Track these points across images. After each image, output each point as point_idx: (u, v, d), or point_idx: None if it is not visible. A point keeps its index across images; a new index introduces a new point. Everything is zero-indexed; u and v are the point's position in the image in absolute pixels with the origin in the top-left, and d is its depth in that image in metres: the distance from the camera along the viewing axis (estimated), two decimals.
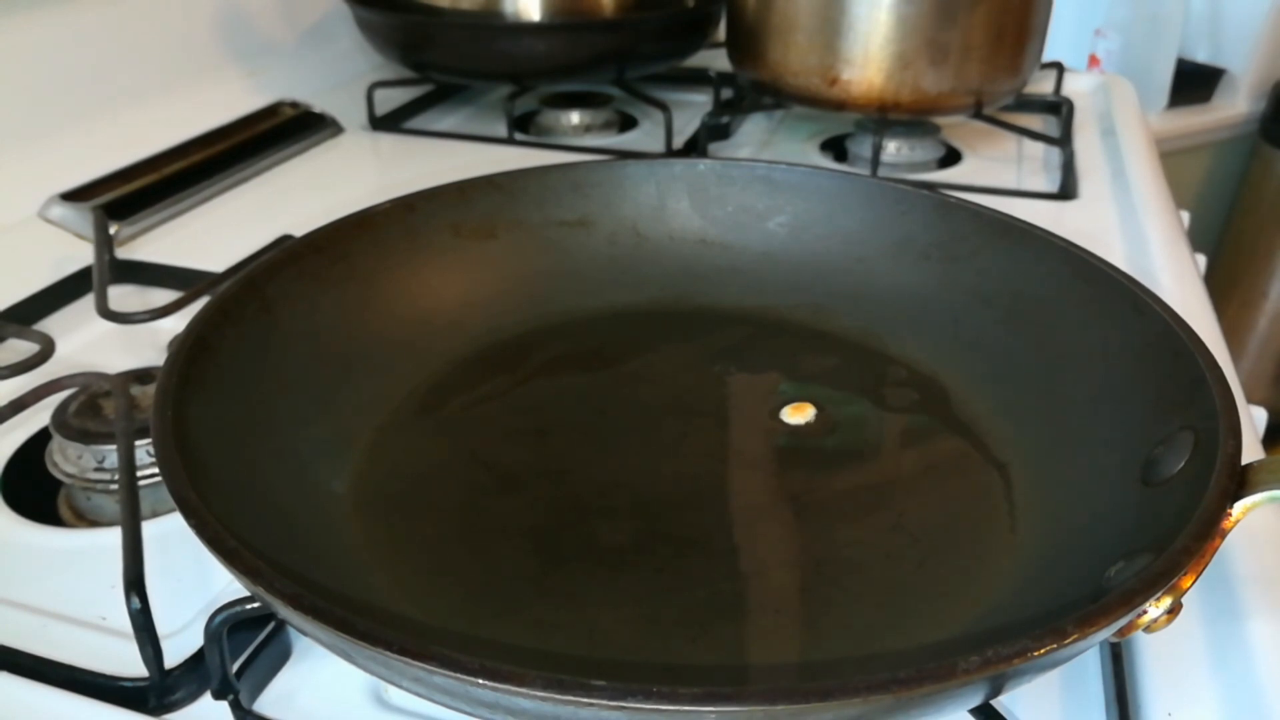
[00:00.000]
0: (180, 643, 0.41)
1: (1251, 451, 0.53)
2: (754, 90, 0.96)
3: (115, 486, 0.49)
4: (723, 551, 0.45)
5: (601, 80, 1.03)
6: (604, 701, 0.28)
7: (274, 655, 0.42)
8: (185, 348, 0.44)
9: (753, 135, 1.05)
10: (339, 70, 1.13)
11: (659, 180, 0.64)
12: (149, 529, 0.45)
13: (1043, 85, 1.10)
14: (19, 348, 0.60)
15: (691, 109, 1.09)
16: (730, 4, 0.95)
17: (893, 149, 0.96)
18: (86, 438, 0.51)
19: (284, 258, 0.52)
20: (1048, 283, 0.53)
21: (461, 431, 0.52)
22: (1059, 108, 1.05)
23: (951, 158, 0.99)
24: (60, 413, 0.52)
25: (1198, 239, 0.92)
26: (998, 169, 0.95)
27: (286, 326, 0.50)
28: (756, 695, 0.28)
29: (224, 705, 0.39)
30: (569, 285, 0.62)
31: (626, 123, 1.09)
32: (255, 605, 0.36)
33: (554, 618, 0.42)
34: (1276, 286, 1.73)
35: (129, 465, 0.47)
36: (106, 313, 0.63)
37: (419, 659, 0.29)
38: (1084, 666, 0.42)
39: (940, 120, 0.98)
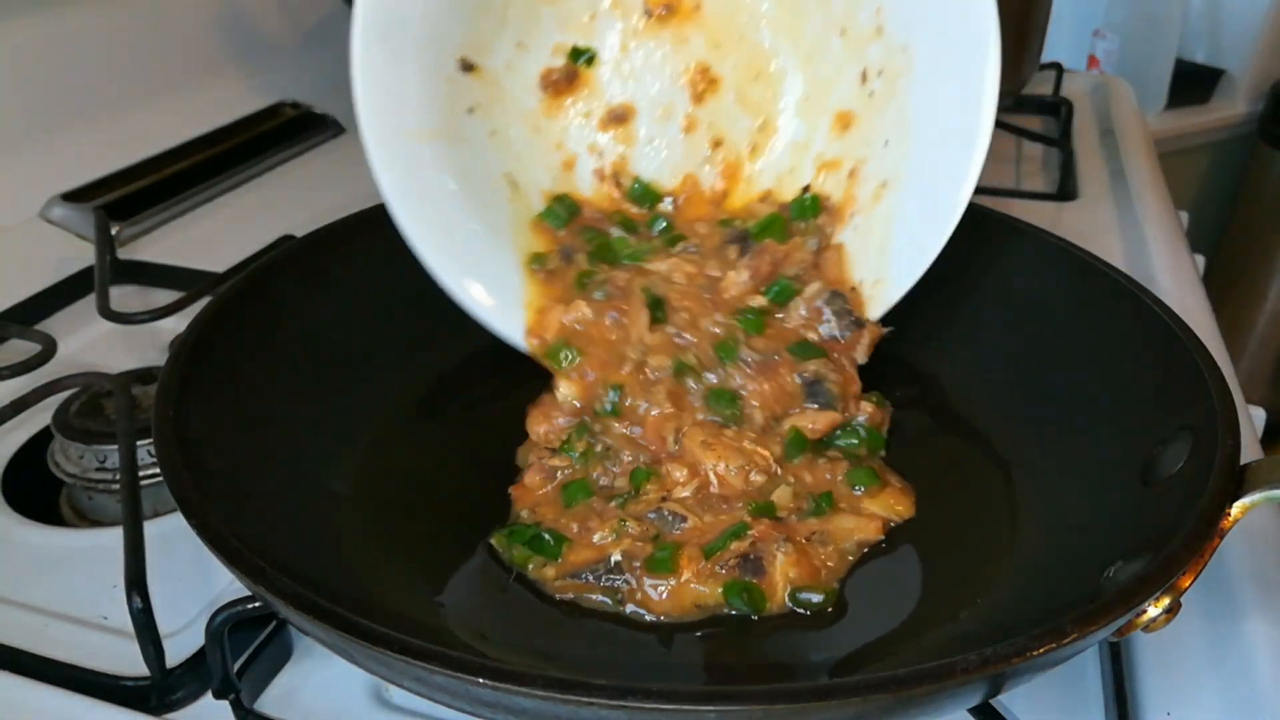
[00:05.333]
0: (181, 642, 0.41)
1: (1250, 451, 0.53)
2: None
3: (117, 486, 0.49)
4: None
5: None
6: (604, 701, 0.28)
7: (275, 655, 0.42)
8: (186, 348, 0.44)
9: None
10: (339, 70, 1.13)
11: None
12: (150, 529, 0.45)
13: (1042, 86, 1.10)
14: (21, 348, 0.60)
15: None
16: None
17: None
18: (88, 438, 0.51)
19: (285, 258, 0.53)
20: (1047, 283, 0.53)
21: (461, 431, 0.52)
22: (1058, 108, 1.05)
23: None
24: (62, 413, 0.52)
25: (1196, 239, 0.92)
26: (997, 169, 0.95)
27: (287, 327, 0.50)
28: (756, 695, 0.28)
29: (225, 704, 0.39)
30: None
31: None
32: (256, 605, 0.36)
33: (555, 617, 0.42)
34: (1275, 287, 1.73)
35: (130, 465, 0.47)
36: (108, 313, 0.63)
37: (420, 659, 0.29)
38: (1083, 666, 0.42)
39: None
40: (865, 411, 0.50)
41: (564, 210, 0.53)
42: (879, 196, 0.51)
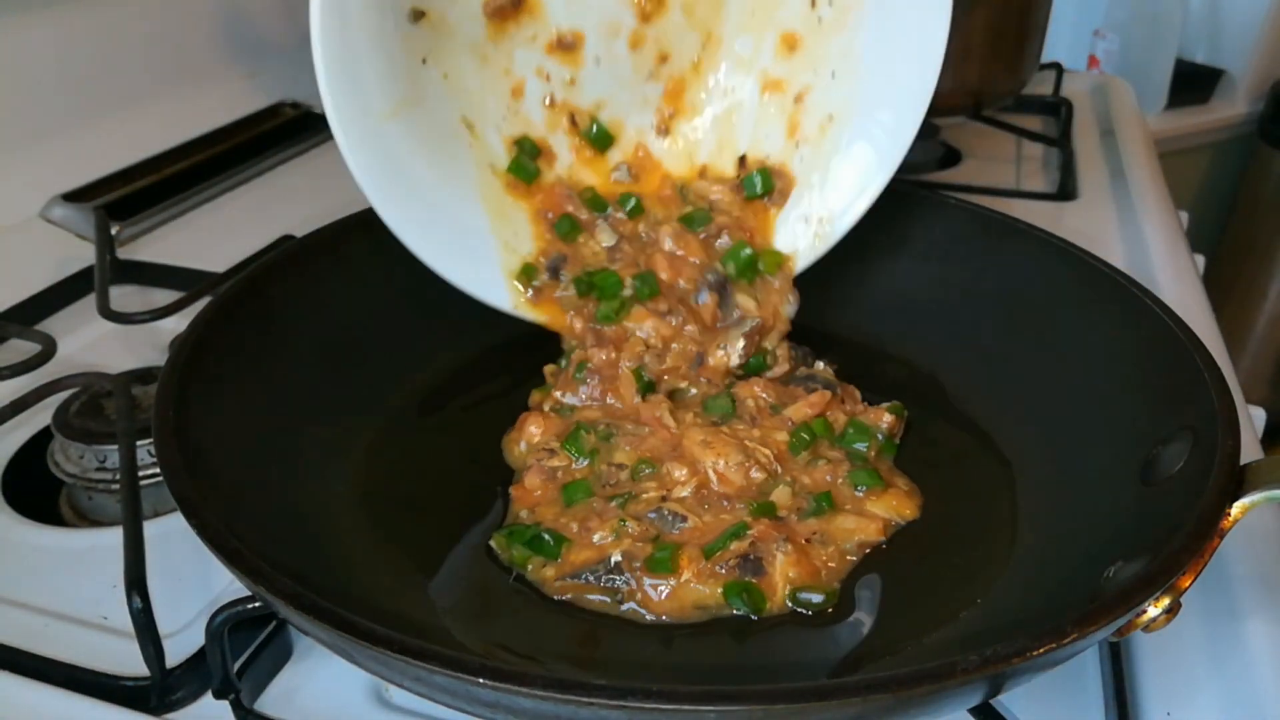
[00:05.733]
0: (181, 642, 0.41)
1: (1250, 451, 0.53)
2: None
3: (117, 486, 0.49)
4: None
5: None
6: (604, 701, 0.28)
7: (275, 655, 0.42)
8: (186, 348, 0.44)
9: None
10: None
11: None
12: (150, 529, 0.45)
13: (1042, 86, 1.10)
14: (21, 348, 0.60)
15: None
16: None
17: None
18: (88, 438, 0.51)
19: (285, 258, 0.53)
20: (1047, 283, 0.53)
21: (461, 431, 0.52)
22: (1058, 108, 1.05)
23: (951, 158, 0.99)
24: (62, 413, 0.52)
25: (1196, 239, 0.92)
26: (997, 169, 0.95)
27: (287, 327, 0.50)
28: (756, 695, 0.28)
29: (225, 704, 0.39)
30: None
31: None
32: (256, 605, 0.36)
33: (555, 617, 0.42)
34: (1275, 287, 1.73)
35: (130, 465, 0.47)
36: (108, 313, 0.63)
37: (420, 659, 0.29)
38: (1083, 666, 0.42)
39: (939, 121, 0.98)
40: (884, 421, 0.51)
41: (528, 157, 0.54)
42: (825, 130, 0.53)
